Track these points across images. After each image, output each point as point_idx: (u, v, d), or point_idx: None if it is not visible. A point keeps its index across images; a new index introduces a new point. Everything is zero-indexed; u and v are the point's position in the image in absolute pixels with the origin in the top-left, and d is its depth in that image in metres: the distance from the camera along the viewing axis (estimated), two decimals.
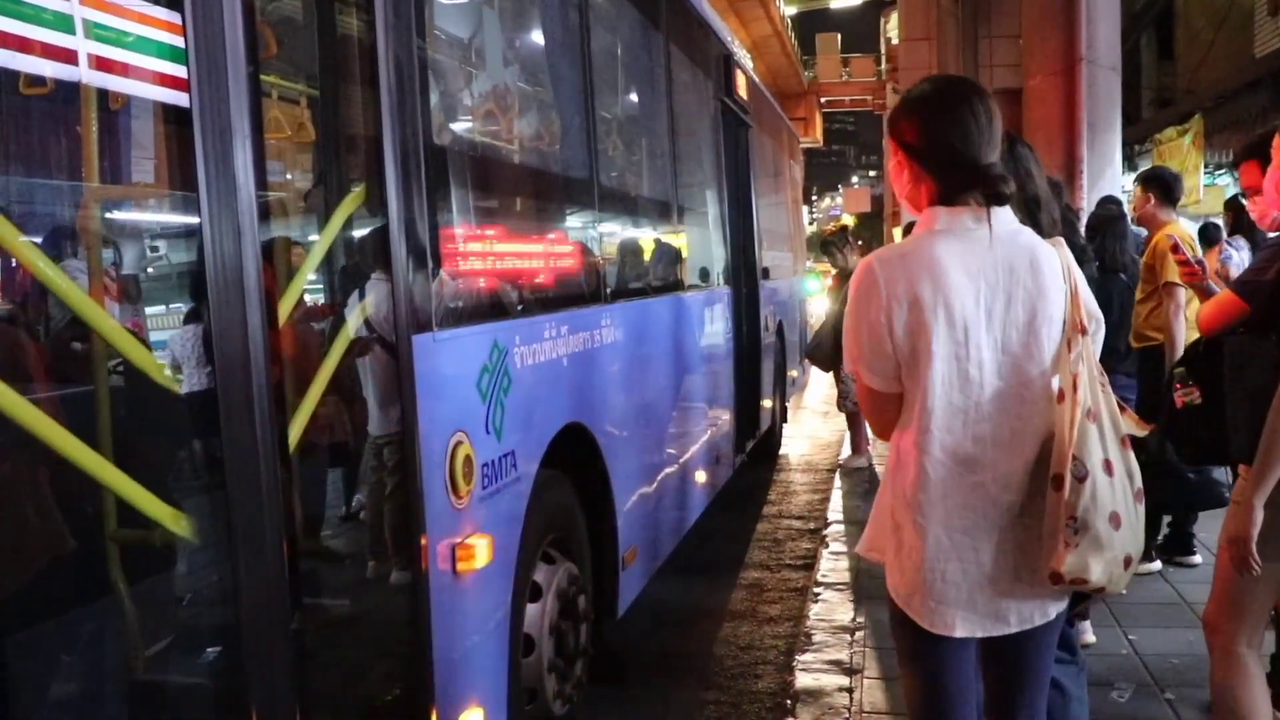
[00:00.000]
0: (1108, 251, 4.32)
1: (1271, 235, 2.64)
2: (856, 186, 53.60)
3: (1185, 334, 4.07)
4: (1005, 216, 1.89)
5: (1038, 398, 1.86)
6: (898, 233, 12.72)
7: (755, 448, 7.21)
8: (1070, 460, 1.79)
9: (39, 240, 1.78)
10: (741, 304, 6.47)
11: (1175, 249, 3.08)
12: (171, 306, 2.23)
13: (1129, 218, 4.76)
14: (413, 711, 2.26)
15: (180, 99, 1.71)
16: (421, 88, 2.37)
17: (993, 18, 11.30)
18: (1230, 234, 6.85)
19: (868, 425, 2.32)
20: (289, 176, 2.63)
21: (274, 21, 2.30)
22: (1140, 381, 4.27)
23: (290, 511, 1.84)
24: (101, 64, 1.70)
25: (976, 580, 1.85)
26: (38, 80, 1.69)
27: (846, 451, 7.86)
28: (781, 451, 8.74)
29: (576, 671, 3.26)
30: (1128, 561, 1.87)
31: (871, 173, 61.43)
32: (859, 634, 4.13)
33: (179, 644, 2.02)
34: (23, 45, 1.56)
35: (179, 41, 1.70)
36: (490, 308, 2.80)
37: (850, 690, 3.62)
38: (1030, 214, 2.33)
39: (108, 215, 2.13)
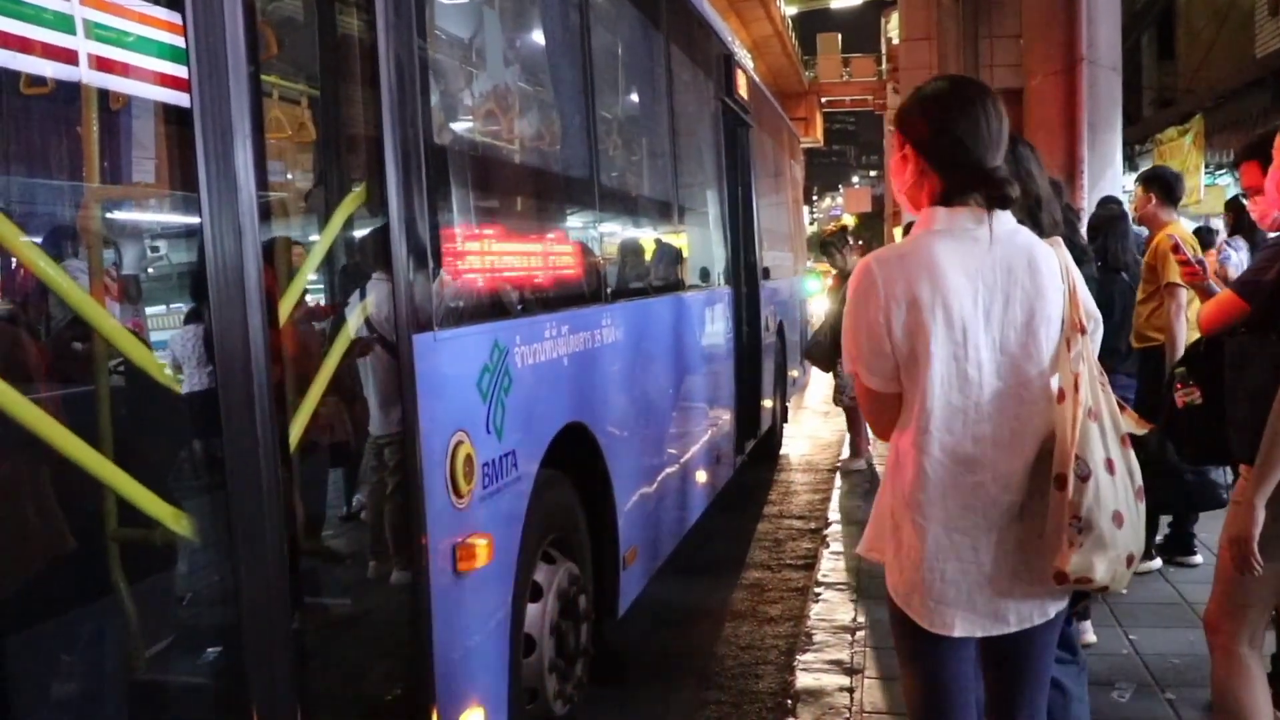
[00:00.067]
0: (1110, 251, 4.33)
1: (1272, 235, 2.64)
2: (857, 186, 53.61)
3: (1186, 335, 4.07)
4: (1004, 217, 1.89)
5: (1037, 398, 1.86)
6: (898, 232, 12.72)
7: (756, 448, 7.22)
8: (1073, 460, 1.79)
9: (40, 240, 1.78)
10: (742, 304, 6.47)
11: (1176, 249, 3.09)
12: (172, 306, 2.23)
13: (1130, 217, 4.76)
14: (413, 711, 2.26)
15: (181, 99, 1.71)
16: (422, 87, 2.37)
17: (993, 17, 11.30)
18: (1230, 234, 6.86)
19: (867, 426, 2.33)
20: (290, 176, 2.63)
21: (275, 21, 2.30)
22: (1140, 381, 4.27)
23: (291, 511, 1.84)
24: (102, 64, 1.70)
25: (976, 580, 1.85)
26: (38, 80, 1.69)
27: (847, 452, 7.86)
28: (782, 451, 8.74)
29: (577, 671, 3.26)
30: (1130, 560, 1.87)
31: (872, 173, 61.44)
32: (860, 634, 4.13)
33: (179, 644, 2.02)
34: (23, 45, 1.56)
35: (180, 41, 1.70)
36: (491, 307, 2.80)
37: (851, 690, 3.61)
38: (1031, 214, 2.33)
39: (108, 215, 2.13)
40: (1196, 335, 2.84)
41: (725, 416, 5.93)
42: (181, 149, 1.74)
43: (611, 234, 4.16)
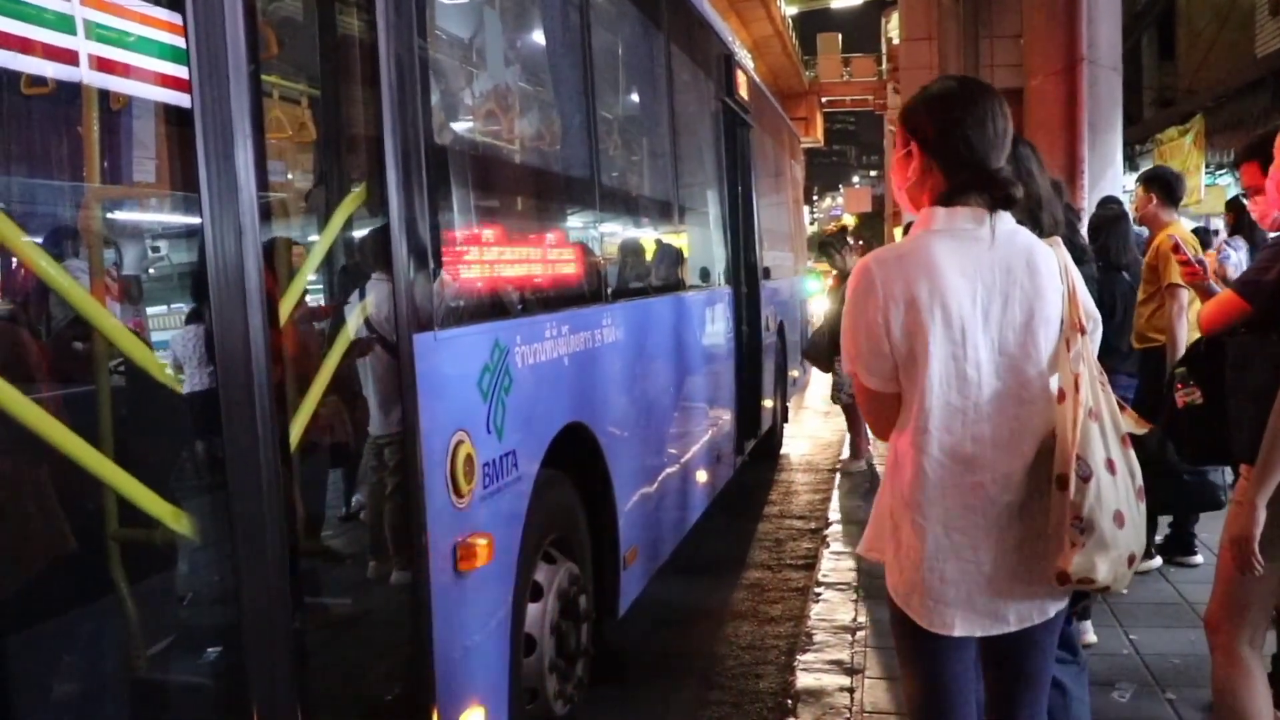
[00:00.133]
0: (1111, 250, 4.32)
1: (1272, 235, 2.64)
2: (857, 186, 53.59)
3: (1187, 336, 4.06)
4: (1004, 217, 1.89)
5: (1036, 398, 1.86)
6: (898, 232, 12.73)
7: (756, 447, 7.21)
8: (1074, 460, 1.79)
9: (41, 240, 1.78)
10: (742, 304, 6.46)
11: (1176, 249, 3.09)
12: (173, 306, 2.23)
13: (1130, 218, 4.76)
14: (414, 711, 2.26)
15: (181, 99, 1.71)
16: (422, 87, 2.37)
17: (994, 17, 11.29)
18: (1231, 234, 6.86)
19: (867, 426, 2.32)
20: (290, 176, 2.63)
21: (275, 21, 2.30)
22: (1141, 382, 4.27)
23: (291, 511, 1.84)
24: (103, 64, 1.70)
25: (975, 579, 1.85)
26: (39, 80, 1.69)
27: (847, 452, 7.86)
28: (782, 451, 8.74)
29: (577, 671, 3.26)
30: (1131, 560, 1.87)
31: (872, 172, 61.43)
32: (860, 634, 4.13)
33: (179, 644, 2.02)
34: (23, 45, 1.56)
35: (180, 42, 1.70)
36: (491, 307, 2.80)
37: (851, 690, 3.61)
38: (1031, 214, 2.33)
39: (109, 215, 2.13)
40: (1197, 335, 2.84)
41: (725, 416, 5.93)
42: (182, 149, 1.75)
43: (612, 234, 4.16)
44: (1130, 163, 14.20)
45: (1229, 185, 12.21)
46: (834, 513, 6.30)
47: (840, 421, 9.05)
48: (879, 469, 7.07)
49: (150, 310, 2.17)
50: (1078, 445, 1.80)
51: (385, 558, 2.35)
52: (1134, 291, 4.33)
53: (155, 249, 2.26)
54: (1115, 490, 1.82)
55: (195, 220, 1.71)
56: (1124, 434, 1.89)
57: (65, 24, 1.64)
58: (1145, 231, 4.82)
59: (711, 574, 5.36)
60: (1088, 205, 7.70)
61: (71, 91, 1.75)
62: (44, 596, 1.74)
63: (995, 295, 1.84)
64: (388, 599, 2.33)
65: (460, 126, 2.97)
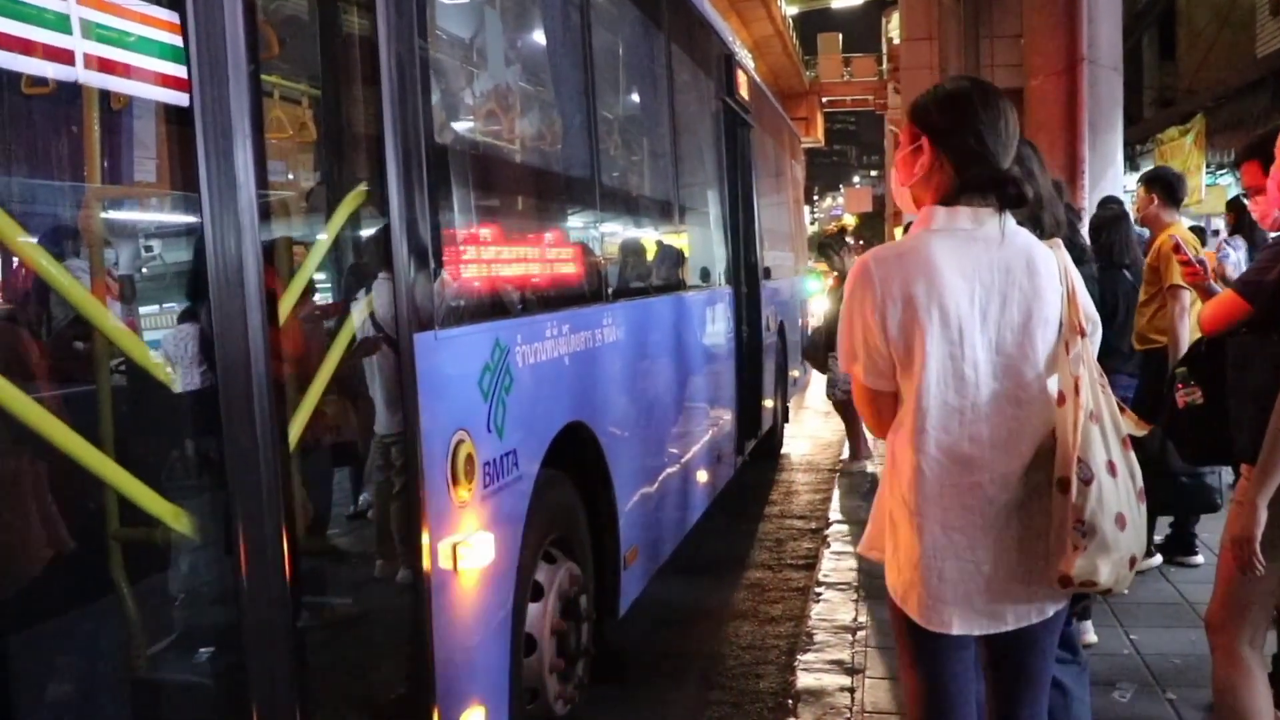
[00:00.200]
0: (1114, 248, 4.32)
1: (1273, 235, 2.64)
2: (858, 186, 53.54)
3: (1189, 337, 4.06)
4: (1007, 218, 1.89)
5: (1034, 399, 1.86)
6: (898, 232, 12.71)
7: (757, 447, 7.21)
8: (1075, 463, 1.79)
9: (41, 240, 1.78)
10: (743, 304, 6.46)
11: (1177, 249, 3.08)
12: (165, 306, 2.23)
13: (1131, 218, 4.75)
14: (414, 710, 2.26)
15: (181, 99, 1.71)
16: (423, 87, 2.37)
17: (994, 17, 11.29)
18: (1231, 234, 6.86)
19: (865, 428, 2.33)
20: (290, 176, 2.63)
21: (275, 21, 2.30)
22: (1142, 383, 4.26)
23: (291, 510, 1.84)
24: (102, 64, 1.70)
25: (974, 579, 1.85)
26: (40, 81, 1.69)
27: (847, 452, 7.86)
28: (783, 451, 8.73)
29: (578, 671, 3.26)
30: (1132, 562, 1.87)
31: (873, 172, 61.41)
32: (861, 634, 4.13)
33: (179, 643, 2.02)
34: (15, 45, 1.55)
35: (179, 41, 1.70)
36: (492, 306, 2.80)
37: (852, 690, 3.61)
38: (1032, 214, 2.33)
39: (110, 215, 2.13)
40: (1198, 336, 2.83)
41: (726, 416, 5.93)
42: (182, 149, 1.74)
43: (612, 233, 4.16)
44: (1131, 163, 14.19)
45: (1230, 185, 12.20)
46: (835, 512, 6.30)
47: (841, 422, 9.05)
48: (880, 469, 7.06)
49: (142, 310, 2.17)
50: (1079, 448, 1.80)
51: (385, 557, 2.35)
52: (1136, 291, 4.32)
53: (148, 248, 2.26)
54: (1116, 493, 1.82)
55: (192, 219, 1.71)
56: (1124, 436, 1.90)
57: (60, 23, 1.64)
58: (1146, 232, 4.82)
59: (712, 574, 5.36)
60: (1088, 205, 7.70)
61: (72, 91, 1.75)
62: (44, 596, 1.74)
63: (994, 295, 1.84)
64: (388, 598, 2.33)
65: (461, 126, 2.97)
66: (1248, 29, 13.73)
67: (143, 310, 2.17)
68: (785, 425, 8.97)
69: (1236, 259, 6.17)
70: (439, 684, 2.29)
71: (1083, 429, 1.80)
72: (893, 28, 26.50)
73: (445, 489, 2.34)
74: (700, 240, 5.71)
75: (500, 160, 3.28)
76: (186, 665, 2.00)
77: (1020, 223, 1.95)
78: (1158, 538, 4.70)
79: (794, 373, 9.21)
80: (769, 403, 7.61)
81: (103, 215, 2.09)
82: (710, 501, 5.45)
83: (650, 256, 4.72)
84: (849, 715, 3.43)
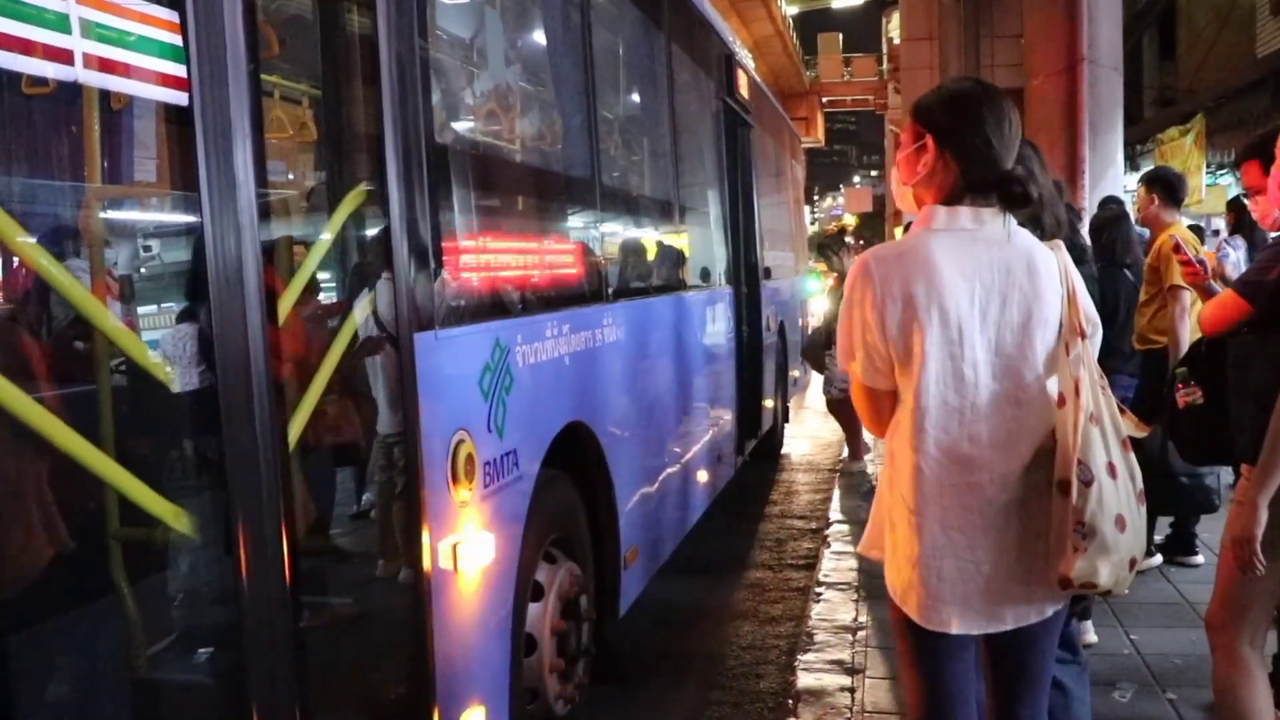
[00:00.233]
0: (1115, 247, 4.31)
1: (1273, 235, 2.64)
2: (858, 186, 53.48)
3: (1189, 337, 4.05)
4: (1008, 218, 1.90)
5: (1033, 399, 1.86)
6: (899, 232, 12.71)
7: (757, 447, 7.21)
8: (1075, 465, 1.79)
9: (41, 239, 1.78)
10: (743, 304, 6.46)
11: (1177, 249, 3.08)
12: (163, 306, 2.23)
13: (1132, 218, 4.75)
14: (414, 710, 2.26)
15: (180, 99, 1.71)
16: (423, 87, 2.37)
17: (994, 17, 11.28)
18: (1231, 234, 6.85)
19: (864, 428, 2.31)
20: (291, 175, 2.63)
21: (276, 21, 2.30)
22: (1142, 383, 4.26)
23: (291, 510, 1.84)
24: (102, 64, 1.70)
25: (973, 578, 1.85)
26: (40, 80, 1.69)
27: (847, 453, 7.86)
28: (783, 451, 8.73)
29: (578, 671, 3.25)
30: (1132, 563, 1.87)
31: (873, 172, 61.38)
32: (861, 634, 4.13)
33: (180, 643, 2.03)
34: (15, 45, 1.55)
35: (179, 41, 1.70)
36: (492, 306, 2.80)
37: (852, 690, 3.61)
38: (1033, 214, 2.32)
39: (109, 215, 2.13)
40: (1198, 336, 2.83)
41: (726, 416, 5.93)
42: (182, 148, 1.74)
43: (612, 233, 4.16)
44: (1131, 163, 14.20)
45: (1230, 185, 12.20)
46: (835, 512, 6.30)
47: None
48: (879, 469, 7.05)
49: (140, 310, 2.17)
50: (1079, 450, 1.80)
51: (385, 556, 2.34)
52: (1136, 291, 4.32)
53: (146, 248, 2.26)
54: (1116, 494, 1.82)
55: (191, 219, 1.71)
56: (1124, 437, 1.90)
57: (60, 23, 1.64)
58: (1147, 232, 4.81)
59: (712, 574, 5.36)
60: (1088, 205, 7.70)
61: (72, 91, 1.75)
62: (44, 596, 1.74)
63: (994, 296, 1.84)
64: (388, 598, 2.33)
65: (461, 126, 2.97)
66: (1248, 29, 13.73)
67: (141, 310, 2.17)
68: (785, 425, 8.97)
69: (1236, 259, 6.16)
70: (439, 684, 2.29)
71: (1083, 431, 1.80)
72: (893, 28, 26.49)
73: (445, 489, 2.34)
74: (700, 240, 5.70)
75: (500, 160, 3.28)
76: (186, 665, 2.00)
77: (1021, 223, 1.95)
78: (1158, 538, 4.70)
79: (794, 373, 9.21)
80: (769, 403, 7.61)
81: (102, 215, 2.09)
82: (710, 501, 5.45)
83: (650, 256, 4.72)
84: (849, 715, 3.43)
